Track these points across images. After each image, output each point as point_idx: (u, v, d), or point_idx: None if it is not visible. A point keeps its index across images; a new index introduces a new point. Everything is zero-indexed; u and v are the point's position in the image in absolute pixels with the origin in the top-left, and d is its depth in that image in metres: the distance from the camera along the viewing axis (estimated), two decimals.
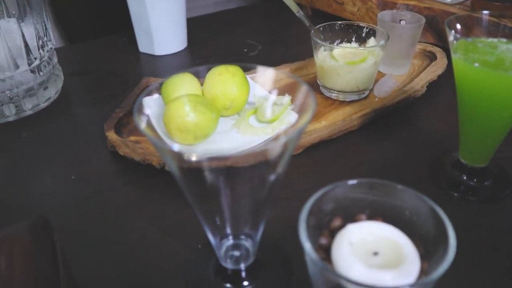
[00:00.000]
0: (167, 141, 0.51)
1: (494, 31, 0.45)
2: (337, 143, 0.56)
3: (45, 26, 0.65)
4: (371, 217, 0.36)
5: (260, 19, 1.03)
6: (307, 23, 0.60)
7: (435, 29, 0.77)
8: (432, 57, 0.72)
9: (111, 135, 0.54)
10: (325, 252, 0.33)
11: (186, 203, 0.47)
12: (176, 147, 0.28)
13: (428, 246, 0.33)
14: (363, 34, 0.64)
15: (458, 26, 0.44)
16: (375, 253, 0.32)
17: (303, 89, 0.32)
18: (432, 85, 0.65)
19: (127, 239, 0.43)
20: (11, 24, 0.59)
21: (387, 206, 0.35)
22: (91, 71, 0.78)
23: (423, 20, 0.65)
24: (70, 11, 0.97)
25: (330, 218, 0.36)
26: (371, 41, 0.62)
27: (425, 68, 0.68)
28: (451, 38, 0.42)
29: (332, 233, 0.35)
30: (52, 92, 0.68)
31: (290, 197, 0.48)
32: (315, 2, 0.97)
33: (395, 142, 0.56)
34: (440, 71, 0.66)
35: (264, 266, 0.39)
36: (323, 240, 0.34)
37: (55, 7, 0.90)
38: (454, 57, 0.42)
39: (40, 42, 0.64)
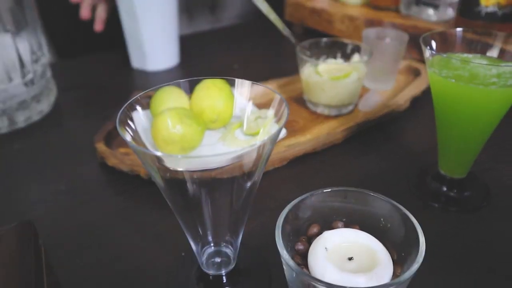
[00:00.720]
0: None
1: (468, 46, 0.46)
2: (321, 156, 0.57)
3: (39, 40, 0.67)
4: (348, 224, 0.37)
5: (251, 37, 1.05)
6: (293, 40, 0.62)
7: (420, 46, 0.80)
8: (416, 73, 0.74)
9: (100, 146, 0.55)
10: (302, 258, 0.34)
11: (170, 213, 0.48)
12: (152, 151, 0.30)
13: (401, 251, 0.34)
14: (348, 51, 0.66)
15: (433, 42, 0.46)
16: (350, 258, 0.33)
17: (277, 98, 0.34)
18: (415, 100, 0.67)
19: (113, 246, 0.44)
20: (6, 38, 0.61)
21: (363, 214, 0.36)
22: (83, 85, 0.80)
23: (407, 37, 0.67)
24: (62, 27, 0.99)
25: (307, 225, 0.37)
26: (355, 57, 0.64)
27: (409, 84, 0.70)
28: (427, 54, 0.44)
29: (310, 240, 0.36)
30: (45, 106, 0.69)
31: (273, 207, 0.49)
32: (306, 20, 1.00)
33: (378, 155, 0.58)
34: (423, 86, 0.68)
35: (245, 272, 0.39)
36: (300, 246, 0.35)
37: (46, 22, 0.92)
38: (429, 71, 0.44)
39: (34, 56, 0.65)
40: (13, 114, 0.65)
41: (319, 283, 0.29)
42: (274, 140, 0.31)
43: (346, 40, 0.66)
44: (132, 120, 0.58)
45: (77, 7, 0.95)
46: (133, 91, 0.69)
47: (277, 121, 0.36)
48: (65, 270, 0.40)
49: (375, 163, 0.56)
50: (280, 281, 0.40)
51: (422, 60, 0.79)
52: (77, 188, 0.53)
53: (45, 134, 0.65)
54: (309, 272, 0.32)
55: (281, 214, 0.34)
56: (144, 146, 0.55)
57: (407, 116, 0.65)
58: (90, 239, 0.45)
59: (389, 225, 0.35)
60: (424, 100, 0.68)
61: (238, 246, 0.37)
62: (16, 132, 0.65)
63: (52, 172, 0.56)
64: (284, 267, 0.33)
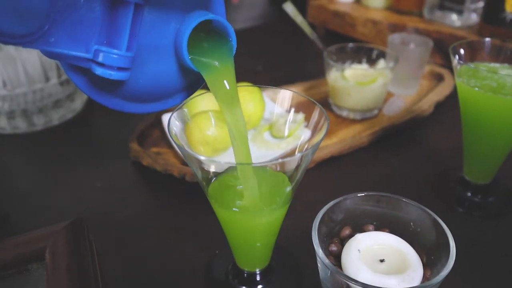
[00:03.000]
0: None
1: (496, 56, 0.48)
2: (347, 159, 0.59)
3: None
4: (379, 228, 0.39)
5: (275, 39, 1.07)
6: (320, 45, 0.64)
7: (443, 51, 0.81)
8: (439, 79, 0.75)
9: (134, 146, 0.58)
10: (335, 259, 0.36)
11: (203, 211, 0.51)
12: (202, 157, 0.32)
13: (430, 255, 0.35)
14: (373, 56, 0.67)
15: (462, 51, 0.47)
16: (381, 260, 0.35)
17: (318, 110, 0.35)
18: (439, 106, 0.68)
19: (148, 242, 0.46)
20: None
21: (393, 218, 0.38)
22: None
23: (431, 43, 0.68)
24: None
25: (340, 227, 0.39)
26: (381, 63, 0.65)
27: (433, 89, 0.71)
28: (455, 63, 0.46)
29: (342, 241, 0.38)
30: (78, 104, 0.72)
31: (302, 208, 0.50)
32: (328, 22, 1.01)
33: (403, 159, 0.59)
34: (447, 92, 0.69)
35: (278, 270, 0.41)
36: (334, 247, 0.36)
37: None
38: (458, 81, 0.45)
39: None
40: (48, 113, 0.67)
41: (354, 282, 0.30)
42: (314, 150, 0.33)
43: (371, 46, 0.67)
44: (177, 124, 0.61)
45: None
46: None
47: (312, 128, 0.38)
48: (107, 264, 0.43)
49: (400, 167, 0.58)
50: (311, 280, 0.42)
51: (445, 65, 0.80)
52: (112, 186, 0.55)
53: (78, 132, 0.67)
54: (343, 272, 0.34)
55: (317, 215, 0.36)
56: (175, 149, 0.58)
57: (431, 121, 0.67)
58: (127, 234, 0.47)
59: (418, 229, 0.37)
60: (447, 105, 0.69)
61: (272, 249, 0.39)
62: (51, 130, 0.67)
63: (86, 169, 0.59)
64: (319, 265, 0.35)
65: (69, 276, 0.28)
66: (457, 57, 0.45)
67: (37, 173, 0.59)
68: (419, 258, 0.35)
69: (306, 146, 0.38)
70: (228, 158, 0.55)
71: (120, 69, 0.32)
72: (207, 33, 0.37)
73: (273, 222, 0.36)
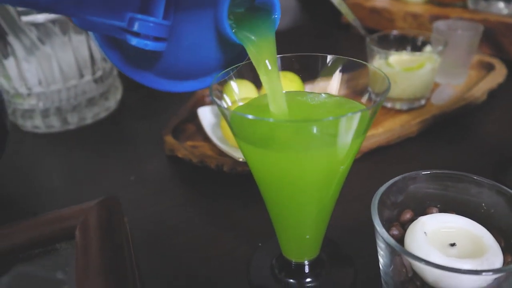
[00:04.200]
0: (223, 148, 0.52)
1: None
2: (395, 149, 0.55)
3: None
4: (443, 211, 0.34)
5: (307, 39, 1.04)
6: (362, 31, 0.61)
7: (492, 41, 0.76)
8: (489, 68, 0.70)
9: (169, 139, 0.55)
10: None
11: (243, 203, 0.47)
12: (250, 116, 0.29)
13: (510, 238, 0.31)
14: (419, 43, 0.63)
15: None
16: (452, 244, 0.31)
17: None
18: (492, 94, 0.63)
19: (185, 236, 0.43)
20: (80, 35, 0.63)
21: (461, 200, 0.34)
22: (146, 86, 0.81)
23: (481, 27, 0.63)
24: None
25: (399, 211, 0.34)
26: (428, 49, 0.61)
27: (483, 78, 0.66)
28: None
29: (403, 226, 0.33)
30: (112, 102, 0.71)
31: (350, 199, 0.46)
32: (365, 20, 0.98)
33: (455, 150, 0.54)
34: (500, 79, 0.64)
35: (328, 262, 0.37)
36: (395, 231, 0.32)
37: None
38: None
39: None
40: (82, 111, 0.66)
41: (429, 264, 0.26)
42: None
43: (416, 32, 0.63)
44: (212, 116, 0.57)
45: None
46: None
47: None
48: (143, 256, 0.40)
49: (453, 156, 0.53)
50: (365, 273, 0.37)
51: (494, 54, 0.75)
52: (146, 180, 0.53)
53: (112, 130, 0.66)
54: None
55: (376, 193, 0.32)
56: (212, 141, 0.55)
57: (484, 110, 0.62)
58: (163, 227, 0.45)
59: (492, 211, 0.32)
60: (501, 93, 0.64)
61: (323, 235, 0.35)
62: (85, 128, 0.66)
63: (120, 164, 0.57)
64: (380, 251, 0.31)
65: (101, 255, 0.25)
66: None
67: (69, 171, 0.57)
68: (496, 242, 0.30)
69: None
70: None
71: (156, 39, 0.30)
72: (248, 10, 0.34)
73: (335, 170, 0.30)
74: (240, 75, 0.33)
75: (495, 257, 0.29)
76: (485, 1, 0.81)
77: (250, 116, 0.26)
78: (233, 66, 0.33)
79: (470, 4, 0.83)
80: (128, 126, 0.68)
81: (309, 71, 0.35)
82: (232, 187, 0.50)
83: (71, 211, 0.28)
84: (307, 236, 0.34)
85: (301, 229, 0.33)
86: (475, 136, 0.57)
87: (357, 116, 0.26)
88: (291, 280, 0.36)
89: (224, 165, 0.49)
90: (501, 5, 0.79)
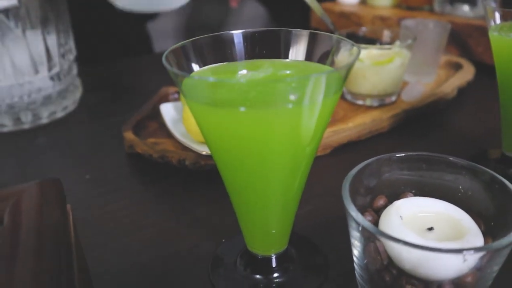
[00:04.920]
0: (186, 142, 0.49)
1: None
2: (366, 144, 0.53)
3: (68, 36, 0.65)
4: (418, 196, 0.32)
5: None
6: (330, 26, 0.59)
7: (458, 42, 0.76)
8: (457, 68, 0.70)
9: (129, 135, 0.52)
10: None
11: (206, 199, 0.44)
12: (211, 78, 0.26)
13: (490, 221, 0.29)
14: (387, 40, 0.62)
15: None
16: (430, 229, 0.28)
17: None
18: (461, 92, 0.63)
19: (145, 233, 0.40)
20: (35, 30, 0.59)
21: (436, 183, 0.32)
22: (108, 87, 0.77)
23: (449, 25, 0.63)
24: (90, 35, 0.97)
25: (372, 197, 0.32)
26: (397, 44, 0.60)
27: (452, 76, 0.66)
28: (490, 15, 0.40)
29: (377, 213, 0.31)
30: (70, 102, 0.66)
31: (320, 193, 0.44)
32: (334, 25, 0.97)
33: (427, 145, 0.53)
34: (469, 77, 0.64)
35: (296, 257, 0.34)
36: (368, 217, 0.30)
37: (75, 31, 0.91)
38: (494, 35, 0.40)
39: (62, 50, 0.63)
40: (37, 109, 0.62)
41: (407, 245, 0.24)
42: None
43: (385, 29, 0.62)
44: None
45: (104, 17, 0.94)
46: (161, 87, 0.66)
47: None
48: (94, 257, 0.36)
49: (425, 152, 0.51)
50: (338, 269, 0.35)
51: (461, 55, 0.75)
52: (103, 178, 0.49)
53: (69, 130, 0.62)
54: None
55: (347, 175, 0.29)
56: (174, 136, 0.52)
57: (453, 107, 0.61)
58: (118, 226, 0.41)
59: (470, 193, 0.30)
60: (469, 91, 0.64)
61: (291, 228, 0.33)
62: (39, 128, 0.62)
63: (75, 163, 0.53)
64: (354, 240, 0.28)
65: (33, 237, 0.21)
66: (493, 3, 0.40)
67: (20, 172, 0.52)
68: (476, 225, 0.28)
69: None
70: None
71: None
72: None
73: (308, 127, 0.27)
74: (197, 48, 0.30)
75: (475, 239, 0.26)
76: (450, 5, 0.82)
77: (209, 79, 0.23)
78: (192, 39, 0.30)
79: (436, 7, 0.83)
80: (87, 126, 0.64)
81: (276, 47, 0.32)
82: (195, 182, 0.47)
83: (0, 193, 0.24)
84: (273, 230, 0.31)
85: (267, 218, 0.30)
86: (446, 131, 0.56)
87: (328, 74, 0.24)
88: (258, 276, 0.33)
89: (187, 159, 0.46)
90: (466, 8, 0.80)
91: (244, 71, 0.30)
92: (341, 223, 0.40)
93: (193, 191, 0.46)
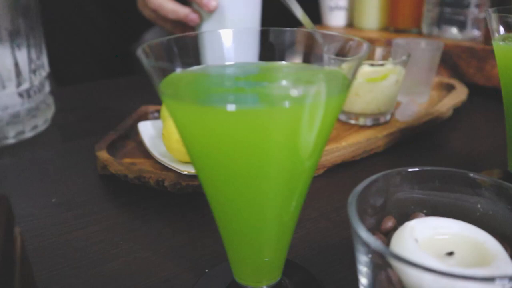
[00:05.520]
0: (165, 161, 0.44)
1: None
2: (361, 164, 0.49)
3: (40, 52, 0.61)
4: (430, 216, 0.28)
5: None
6: (320, 39, 0.56)
7: (449, 64, 0.74)
8: (450, 88, 0.67)
9: (103, 154, 0.47)
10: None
11: (187, 226, 0.39)
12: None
13: None
14: (380, 57, 0.60)
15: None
16: (449, 253, 0.24)
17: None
18: (456, 112, 0.60)
19: (117, 263, 0.34)
20: (3, 42, 0.55)
21: (451, 202, 0.28)
22: (85, 106, 0.73)
23: (441, 44, 0.61)
24: (64, 55, 0.93)
25: (378, 218, 0.28)
26: (390, 61, 0.58)
27: (445, 97, 0.64)
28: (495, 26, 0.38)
29: (385, 236, 0.27)
30: (40, 121, 0.61)
31: (314, 217, 0.40)
32: None
33: (425, 164, 0.50)
34: (463, 97, 0.62)
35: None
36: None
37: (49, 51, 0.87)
38: (500, 44, 0.37)
39: (33, 65, 0.59)
40: (3, 128, 0.57)
41: (432, 272, 0.19)
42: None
43: (378, 47, 0.60)
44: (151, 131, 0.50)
45: (79, 35, 0.90)
46: (140, 106, 0.61)
47: None
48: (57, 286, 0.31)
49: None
50: None
51: (453, 77, 0.73)
52: (71, 201, 0.44)
53: (38, 151, 0.56)
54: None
55: (352, 193, 0.25)
56: (152, 155, 0.47)
57: (450, 126, 0.58)
58: (86, 254, 0.35)
59: (490, 212, 0.26)
60: (464, 111, 0.62)
61: (285, 256, 0.28)
62: (4, 148, 0.56)
63: (42, 186, 0.47)
64: (361, 266, 0.24)
65: None
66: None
67: None
68: (503, 248, 0.24)
69: None
70: None
71: None
72: None
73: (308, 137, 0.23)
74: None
75: (506, 265, 0.22)
76: (438, 27, 0.81)
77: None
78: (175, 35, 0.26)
79: (424, 30, 0.82)
80: (58, 147, 0.59)
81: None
82: (174, 207, 0.42)
83: None
84: (266, 258, 0.27)
85: (260, 243, 0.26)
86: (444, 152, 0.53)
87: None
88: None
89: (166, 180, 0.41)
90: (455, 30, 0.79)
91: (234, 70, 0.27)
92: (339, 249, 0.36)
93: (172, 215, 0.41)
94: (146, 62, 0.22)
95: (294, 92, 0.20)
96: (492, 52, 0.69)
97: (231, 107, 0.20)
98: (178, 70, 0.23)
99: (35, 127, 0.61)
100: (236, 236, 0.26)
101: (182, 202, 0.42)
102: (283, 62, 0.28)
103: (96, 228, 0.39)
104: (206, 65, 0.26)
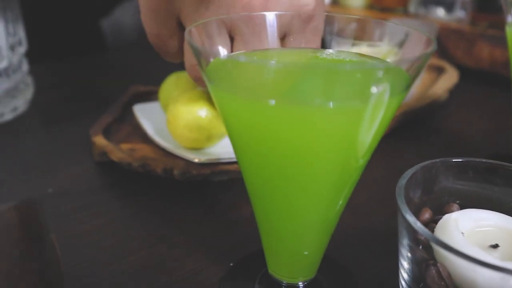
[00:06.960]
0: (171, 148, 0.42)
1: None
2: None
3: (17, 26, 0.56)
4: (464, 208, 0.28)
5: None
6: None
7: (438, 45, 0.75)
8: (440, 71, 0.68)
9: (100, 140, 0.44)
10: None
11: (202, 216, 0.38)
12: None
13: None
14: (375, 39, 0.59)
15: None
16: (494, 246, 0.24)
17: None
18: (451, 94, 0.61)
19: (128, 259, 0.33)
20: None
21: (486, 194, 0.28)
22: (68, 83, 0.68)
23: (435, 25, 0.61)
24: (44, 27, 0.86)
25: (415, 211, 0.28)
26: (385, 42, 0.57)
27: (436, 80, 0.64)
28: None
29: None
30: (20, 102, 0.57)
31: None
32: None
33: (424, 150, 0.50)
34: (455, 79, 0.62)
35: (328, 285, 0.29)
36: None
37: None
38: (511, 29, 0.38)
39: (11, 39, 0.54)
40: None
41: (491, 268, 0.19)
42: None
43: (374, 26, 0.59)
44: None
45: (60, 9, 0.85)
46: (129, 86, 0.58)
47: None
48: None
49: (421, 158, 0.48)
50: None
51: (441, 58, 0.74)
52: (69, 192, 0.41)
53: (21, 134, 0.53)
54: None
55: (401, 178, 0.25)
56: (155, 142, 0.45)
57: (446, 110, 0.59)
58: (95, 251, 0.33)
59: None
60: (457, 94, 0.62)
61: (323, 252, 0.27)
62: None
63: (33, 175, 0.44)
64: (404, 261, 0.24)
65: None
66: None
67: None
68: None
69: None
70: (222, 149, 0.43)
71: None
72: None
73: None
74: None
75: None
76: (425, 8, 0.81)
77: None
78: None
79: (411, 9, 0.82)
80: (42, 130, 0.55)
81: None
82: (184, 195, 0.40)
83: None
84: (306, 251, 0.26)
85: (301, 236, 0.25)
86: (441, 136, 0.54)
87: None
88: None
89: (175, 169, 0.39)
90: (442, 11, 0.79)
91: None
92: (373, 242, 0.35)
93: (184, 205, 0.39)
94: (193, 44, 0.20)
95: (374, 90, 0.19)
96: (480, 35, 0.71)
97: (289, 105, 0.19)
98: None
99: (14, 109, 0.56)
100: (276, 231, 0.25)
101: (192, 192, 0.41)
102: (343, 51, 0.26)
103: (101, 222, 0.37)
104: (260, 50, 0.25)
